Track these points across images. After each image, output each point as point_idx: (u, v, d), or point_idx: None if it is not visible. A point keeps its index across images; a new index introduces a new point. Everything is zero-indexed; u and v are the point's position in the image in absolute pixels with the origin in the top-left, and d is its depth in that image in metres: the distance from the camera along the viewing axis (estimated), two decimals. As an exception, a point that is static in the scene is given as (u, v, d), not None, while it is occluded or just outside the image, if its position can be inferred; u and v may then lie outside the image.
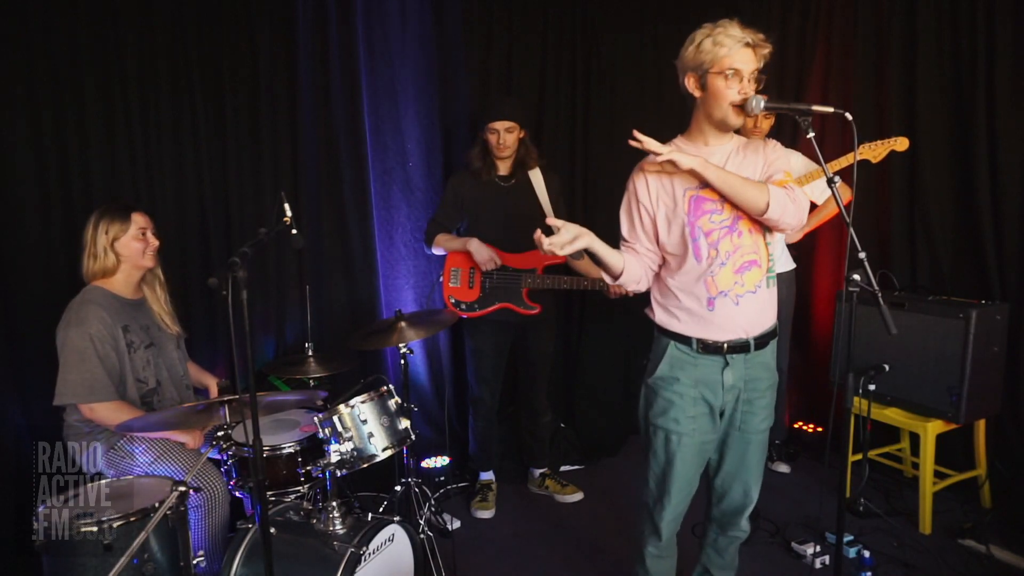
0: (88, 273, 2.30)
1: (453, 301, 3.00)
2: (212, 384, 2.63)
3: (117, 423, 2.06)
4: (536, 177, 3.06)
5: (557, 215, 3.07)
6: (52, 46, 2.56)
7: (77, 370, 2.15)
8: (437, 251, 3.06)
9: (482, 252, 2.90)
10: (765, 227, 1.82)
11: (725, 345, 1.83)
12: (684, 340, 1.87)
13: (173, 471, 2.23)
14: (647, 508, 2.02)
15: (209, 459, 2.19)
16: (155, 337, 2.40)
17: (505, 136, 2.91)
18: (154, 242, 2.37)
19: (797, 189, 1.78)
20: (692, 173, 1.76)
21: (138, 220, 2.33)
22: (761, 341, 1.87)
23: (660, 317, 1.93)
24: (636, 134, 1.71)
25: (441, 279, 3.05)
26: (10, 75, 2.51)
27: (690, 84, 1.80)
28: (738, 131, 1.90)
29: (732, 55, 1.70)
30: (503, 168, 3.03)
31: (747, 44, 1.70)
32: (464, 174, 3.06)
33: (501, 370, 3.16)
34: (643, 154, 1.80)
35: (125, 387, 2.27)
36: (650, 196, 1.88)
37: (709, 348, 1.84)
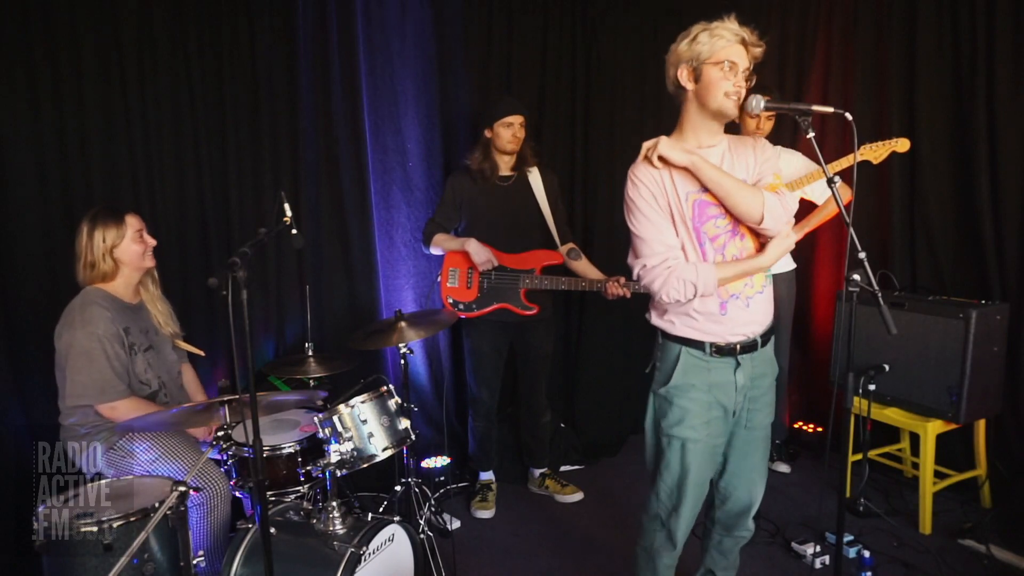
0: (85, 280, 2.29)
1: (451, 301, 3.00)
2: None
3: (136, 417, 2.07)
4: (535, 177, 3.07)
5: (555, 214, 3.10)
6: (53, 46, 2.56)
7: (87, 371, 2.15)
8: (435, 251, 3.06)
9: (480, 253, 2.90)
10: None
11: (738, 346, 1.83)
12: (697, 345, 1.84)
13: (173, 471, 2.23)
14: (659, 520, 1.98)
15: (210, 459, 2.19)
16: (153, 340, 2.40)
17: (519, 130, 2.94)
18: (151, 241, 2.36)
19: (786, 194, 1.79)
20: (687, 171, 1.75)
21: (132, 222, 2.31)
22: (766, 338, 1.89)
23: (670, 323, 1.86)
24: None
25: (439, 279, 3.05)
26: (9, 74, 2.50)
27: (683, 76, 1.75)
28: (736, 132, 1.90)
29: (729, 48, 1.71)
30: (506, 166, 3.03)
31: (742, 41, 1.72)
32: (463, 174, 3.06)
33: (500, 370, 3.16)
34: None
35: (130, 389, 2.26)
36: (656, 200, 1.78)
37: (723, 351, 1.83)
